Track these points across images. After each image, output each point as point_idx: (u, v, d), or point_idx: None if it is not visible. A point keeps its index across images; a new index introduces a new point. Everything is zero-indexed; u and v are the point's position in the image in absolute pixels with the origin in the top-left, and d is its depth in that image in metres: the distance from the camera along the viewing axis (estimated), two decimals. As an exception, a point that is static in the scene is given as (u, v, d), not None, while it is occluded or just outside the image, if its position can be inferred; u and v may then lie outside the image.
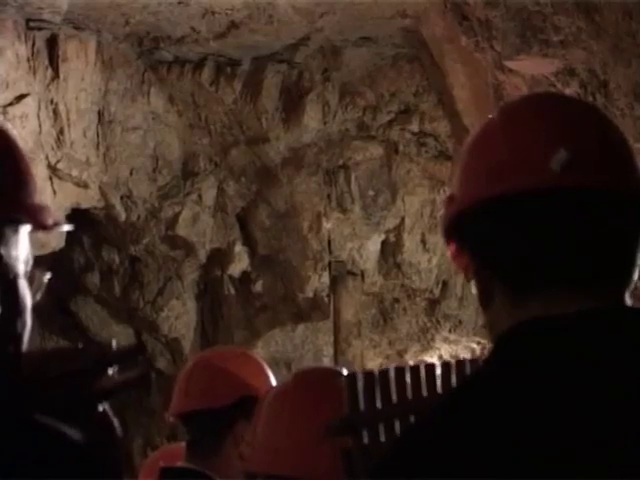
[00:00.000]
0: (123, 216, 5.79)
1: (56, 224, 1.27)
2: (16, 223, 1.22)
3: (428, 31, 5.13)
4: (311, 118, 5.82)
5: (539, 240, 1.25)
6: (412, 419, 1.52)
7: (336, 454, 1.51)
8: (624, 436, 1.16)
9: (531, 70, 4.35)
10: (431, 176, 5.92)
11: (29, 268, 1.24)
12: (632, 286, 1.29)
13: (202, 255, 6.02)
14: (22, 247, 1.23)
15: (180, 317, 6.10)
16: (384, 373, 1.56)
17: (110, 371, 1.24)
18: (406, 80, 5.86)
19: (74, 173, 5.36)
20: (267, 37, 5.42)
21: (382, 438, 1.52)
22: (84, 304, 6.23)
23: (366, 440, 1.52)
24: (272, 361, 5.67)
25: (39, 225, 1.25)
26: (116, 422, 1.25)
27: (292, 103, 5.80)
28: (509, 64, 4.39)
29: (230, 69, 5.72)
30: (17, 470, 1.08)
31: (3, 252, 1.20)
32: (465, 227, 1.31)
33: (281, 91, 5.79)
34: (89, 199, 5.55)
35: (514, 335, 1.25)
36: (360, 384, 1.54)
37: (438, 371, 1.58)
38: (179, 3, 4.99)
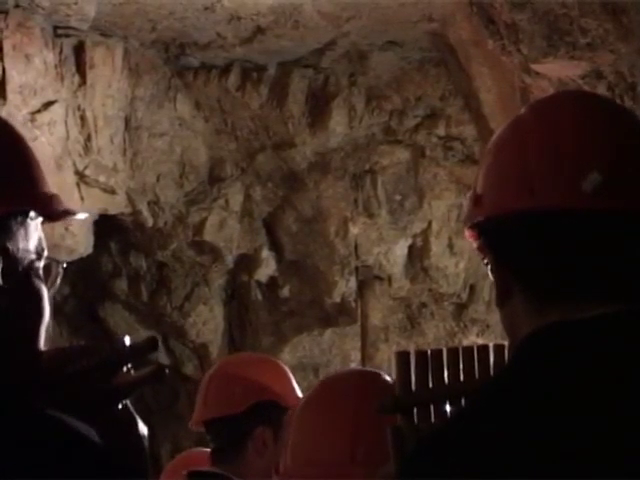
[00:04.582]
0: (150, 222, 5.81)
1: (68, 212, 1.25)
2: (23, 214, 1.20)
3: (454, 35, 5.12)
4: (337, 123, 5.81)
5: (565, 257, 1.25)
6: (463, 401, 1.53)
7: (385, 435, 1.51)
8: None
9: (558, 73, 4.33)
10: (458, 180, 5.91)
11: (44, 259, 1.22)
12: None
13: (229, 260, 6.03)
14: (32, 238, 1.21)
15: (207, 322, 6.11)
16: (437, 353, 1.56)
17: (125, 368, 1.22)
18: (432, 84, 5.85)
19: (101, 179, 5.39)
20: (293, 42, 5.42)
21: (433, 418, 1.52)
22: (112, 310, 6.25)
23: (416, 420, 1.51)
24: (299, 366, 5.67)
25: (47, 215, 1.23)
26: (138, 419, 1.24)
27: (318, 108, 5.80)
28: (536, 67, 4.37)
29: (256, 74, 5.73)
30: (31, 467, 1.08)
31: (10, 246, 1.17)
32: (489, 230, 1.31)
33: (307, 96, 5.79)
34: (116, 205, 5.57)
35: (537, 338, 1.25)
36: (412, 363, 1.54)
37: (492, 353, 1.58)
38: (205, 9, 5.00)
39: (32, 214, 1.21)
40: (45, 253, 1.23)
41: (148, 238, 5.95)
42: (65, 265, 1.27)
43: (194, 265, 6.05)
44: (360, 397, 1.77)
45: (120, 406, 1.21)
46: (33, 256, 1.21)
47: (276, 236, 6.03)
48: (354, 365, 5.92)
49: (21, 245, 1.19)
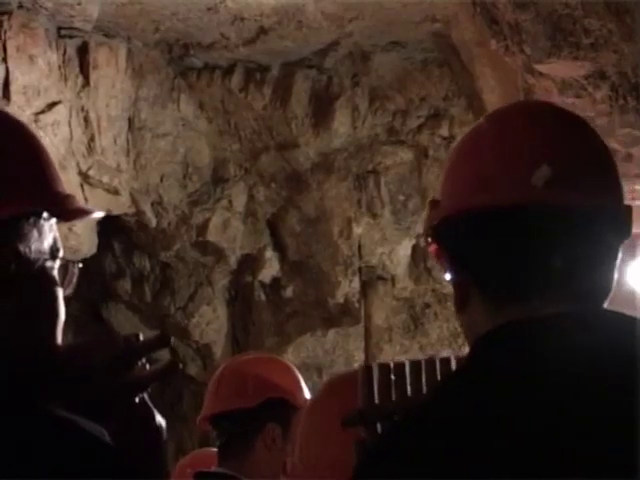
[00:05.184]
0: (154, 222, 5.81)
1: (83, 212, 1.25)
2: (36, 215, 1.20)
3: (457, 35, 5.12)
4: (341, 123, 5.82)
5: (517, 253, 1.27)
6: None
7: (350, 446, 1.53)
8: (601, 434, 1.17)
9: (561, 73, 4.33)
10: (461, 180, 5.90)
11: (58, 259, 1.22)
12: (609, 295, 1.30)
13: (232, 261, 6.03)
14: (46, 239, 1.21)
15: (211, 323, 6.12)
16: (400, 366, 1.56)
17: (139, 363, 1.23)
18: (435, 84, 5.85)
19: (105, 180, 5.39)
20: (296, 43, 5.43)
21: None
22: (115, 310, 6.26)
23: (380, 432, 1.52)
24: (303, 367, 5.66)
25: (60, 215, 1.23)
26: (156, 412, 1.25)
27: (321, 108, 5.80)
28: (539, 67, 4.37)
29: (259, 75, 5.73)
30: (36, 467, 1.08)
31: (22, 247, 1.18)
32: (446, 233, 1.33)
33: (310, 96, 5.79)
34: (120, 206, 5.57)
35: (492, 337, 1.26)
36: (375, 376, 1.55)
37: (453, 365, 1.58)
38: (208, 10, 5.01)
39: (45, 214, 1.21)
40: (60, 253, 1.23)
41: (152, 239, 5.96)
42: (81, 265, 1.27)
43: (197, 266, 6.06)
44: (354, 400, 1.78)
45: (137, 400, 1.21)
46: (46, 257, 1.21)
47: (279, 236, 6.03)
48: (358, 366, 5.92)
49: (34, 246, 1.19)
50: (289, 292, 6.04)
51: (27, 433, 1.10)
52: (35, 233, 1.19)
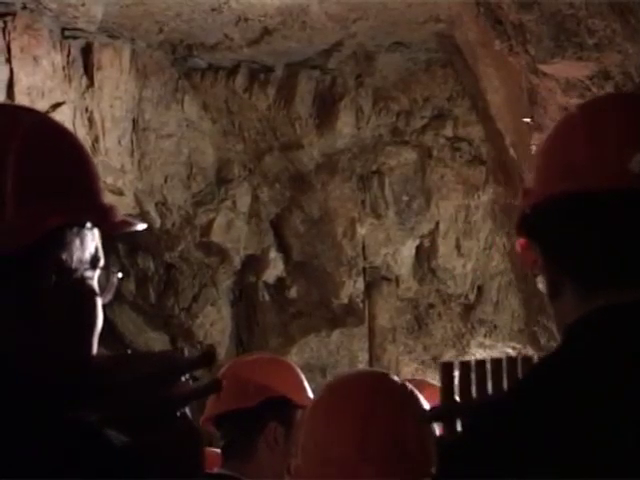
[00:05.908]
0: (158, 223, 5.82)
1: (126, 224, 1.25)
2: (79, 225, 1.21)
3: (461, 35, 5.12)
4: (344, 124, 5.82)
5: (611, 239, 1.26)
6: None
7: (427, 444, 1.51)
8: None
9: (565, 73, 4.33)
10: (465, 181, 5.91)
11: (99, 268, 1.23)
12: None
13: (237, 261, 6.03)
14: (88, 248, 1.22)
15: (215, 323, 6.12)
16: (481, 363, 1.57)
17: (183, 378, 1.23)
18: (439, 85, 5.85)
19: (109, 180, 5.40)
20: (300, 43, 5.43)
21: None
22: (120, 311, 6.26)
23: (460, 429, 1.52)
24: (307, 367, 5.67)
25: (103, 227, 1.24)
26: (197, 428, 1.25)
27: (325, 109, 5.80)
28: (543, 68, 4.37)
29: (263, 75, 5.74)
30: (35, 468, 1.09)
31: (64, 256, 1.19)
32: (537, 222, 1.32)
33: (314, 97, 5.79)
34: (124, 206, 5.57)
35: (584, 323, 1.25)
36: (456, 373, 1.55)
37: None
38: (212, 10, 5.01)
39: (88, 224, 1.22)
40: (101, 262, 1.24)
41: (156, 239, 5.96)
42: (121, 276, 1.27)
43: (202, 266, 6.06)
44: (370, 396, 1.78)
45: (178, 414, 1.22)
46: (87, 266, 1.22)
47: (283, 237, 6.03)
48: (362, 366, 5.92)
49: (76, 255, 1.20)
50: (293, 293, 6.04)
51: (33, 435, 1.10)
52: (77, 242, 1.20)
